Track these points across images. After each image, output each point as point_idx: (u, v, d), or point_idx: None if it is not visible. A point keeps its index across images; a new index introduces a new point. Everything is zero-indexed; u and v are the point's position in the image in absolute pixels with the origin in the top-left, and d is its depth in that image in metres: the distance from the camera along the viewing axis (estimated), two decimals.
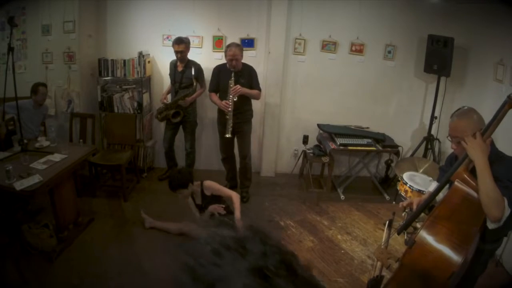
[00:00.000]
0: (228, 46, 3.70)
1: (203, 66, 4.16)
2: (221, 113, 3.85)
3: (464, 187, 1.80)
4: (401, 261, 1.85)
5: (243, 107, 3.85)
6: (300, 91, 4.59)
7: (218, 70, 3.89)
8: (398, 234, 2.20)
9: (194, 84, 4.06)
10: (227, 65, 3.72)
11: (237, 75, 3.71)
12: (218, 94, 3.90)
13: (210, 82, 3.95)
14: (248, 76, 3.81)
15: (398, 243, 3.28)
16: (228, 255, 0.63)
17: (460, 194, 1.81)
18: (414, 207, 2.09)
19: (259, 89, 3.89)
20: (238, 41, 4.33)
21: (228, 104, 3.69)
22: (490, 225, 1.71)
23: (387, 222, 2.34)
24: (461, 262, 1.64)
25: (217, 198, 3.18)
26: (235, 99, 3.70)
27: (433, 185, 2.26)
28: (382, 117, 4.64)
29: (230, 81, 3.68)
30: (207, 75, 4.22)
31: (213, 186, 3.16)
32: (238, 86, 3.67)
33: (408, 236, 1.85)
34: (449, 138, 1.99)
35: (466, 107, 2.00)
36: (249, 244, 0.65)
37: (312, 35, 4.37)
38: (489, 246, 1.94)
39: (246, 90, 3.73)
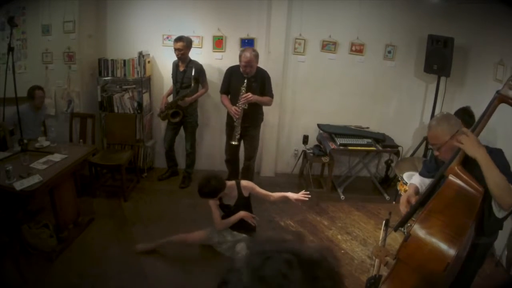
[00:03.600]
0: (243, 51, 3.57)
1: (203, 66, 4.16)
2: (231, 116, 3.79)
3: (457, 181, 1.84)
4: (397, 256, 1.87)
5: (254, 112, 3.79)
6: (300, 91, 4.59)
7: (230, 72, 3.82)
8: (395, 231, 2.22)
9: (192, 84, 4.04)
10: (241, 69, 3.64)
11: (249, 79, 3.64)
12: (229, 96, 3.85)
13: (222, 83, 3.92)
14: (261, 81, 3.73)
15: (398, 242, 3.27)
16: (299, 272, 0.60)
17: (453, 188, 1.84)
18: (405, 204, 2.11)
19: (271, 96, 3.83)
20: (238, 41, 4.35)
21: (238, 111, 3.64)
22: (500, 214, 1.74)
23: (384, 221, 2.36)
24: (455, 253, 1.67)
25: (248, 201, 3.08)
26: (245, 107, 3.64)
27: (415, 178, 2.29)
28: (382, 117, 4.64)
29: (242, 87, 3.59)
30: (208, 75, 4.23)
31: (250, 185, 3.02)
32: (250, 95, 3.58)
33: (407, 234, 1.87)
34: (430, 146, 2.03)
35: (440, 114, 2.05)
36: (320, 271, 0.62)
37: (312, 35, 4.37)
38: (484, 240, 1.96)
39: (257, 98, 3.66)
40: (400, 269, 1.87)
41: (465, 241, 1.73)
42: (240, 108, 3.64)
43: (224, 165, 4.30)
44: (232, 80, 3.78)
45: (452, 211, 1.80)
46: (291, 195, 2.97)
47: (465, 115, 3.01)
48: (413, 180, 2.32)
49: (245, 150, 4.07)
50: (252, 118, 3.83)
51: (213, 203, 3.03)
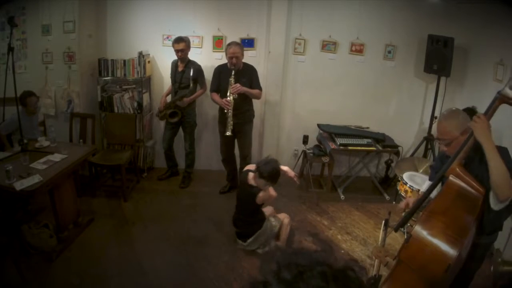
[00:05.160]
0: (229, 44, 3.70)
1: (203, 66, 4.16)
2: (222, 112, 3.85)
3: (458, 182, 1.84)
4: (398, 257, 1.87)
5: (243, 106, 3.84)
6: (300, 91, 4.59)
7: (219, 71, 3.88)
8: (395, 231, 2.22)
9: (191, 85, 4.04)
10: (228, 64, 3.71)
11: (237, 74, 3.70)
12: (219, 95, 3.89)
13: (211, 82, 3.95)
14: (249, 76, 3.80)
15: (398, 242, 3.28)
16: (333, 285, 0.61)
17: (454, 189, 1.84)
18: (410, 206, 2.11)
19: (260, 89, 3.88)
20: (238, 41, 4.34)
21: (228, 102, 3.69)
22: (497, 206, 1.74)
23: (383, 221, 2.36)
24: (457, 254, 1.66)
25: None
26: (235, 97, 3.70)
27: (426, 184, 2.28)
28: (382, 117, 4.64)
29: (230, 79, 3.67)
30: (207, 75, 4.23)
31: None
32: (238, 85, 3.66)
33: (407, 235, 1.87)
34: (438, 141, 2.02)
35: (450, 109, 2.04)
36: (351, 284, 0.64)
37: (312, 35, 4.37)
38: (484, 239, 1.95)
39: (246, 89, 3.73)
40: (401, 270, 1.87)
41: (466, 242, 1.73)
42: (230, 98, 3.68)
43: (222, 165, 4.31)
44: (222, 77, 3.83)
45: (454, 212, 1.79)
46: (286, 168, 3.24)
47: (471, 115, 3.00)
48: (423, 188, 2.30)
49: (239, 148, 4.10)
50: (244, 113, 3.88)
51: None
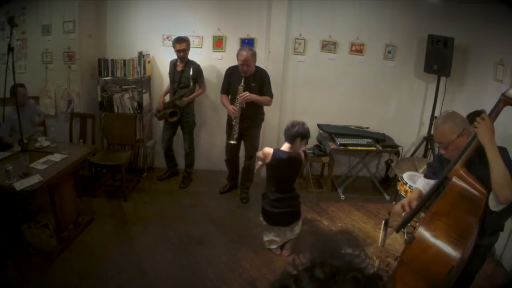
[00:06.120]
0: (240, 50, 3.61)
1: (203, 66, 4.16)
2: (230, 116, 3.81)
3: (461, 183, 1.83)
4: (400, 258, 1.86)
5: (253, 112, 3.80)
6: (300, 91, 4.59)
7: (230, 72, 3.84)
8: (397, 232, 2.21)
9: (191, 84, 4.05)
10: (239, 69, 3.66)
11: (247, 79, 3.64)
12: (230, 96, 3.86)
13: (222, 84, 3.93)
14: (259, 80, 3.73)
15: (398, 243, 3.28)
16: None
17: (457, 191, 1.83)
18: (407, 207, 2.10)
19: (271, 95, 3.81)
20: (238, 41, 4.34)
21: (235, 110, 3.65)
22: (497, 207, 1.73)
23: (383, 221, 2.35)
24: (460, 256, 1.65)
25: None
26: (242, 106, 3.65)
27: (420, 181, 2.27)
28: (382, 117, 4.64)
29: (239, 87, 3.61)
30: (207, 75, 4.23)
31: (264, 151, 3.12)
32: (247, 93, 3.59)
33: (408, 236, 1.87)
34: (436, 145, 2.02)
35: (446, 112, 2.03)
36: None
37: (312, 35, 4.37)
38: (486, 240, 1.95)
39: (255, 97, 3.66)
40: (403, 271, 1.86)
41: (469, 244, 1.72)
42: (238, 107, 3.64)
43: (223, 164, 4.31)
44: (231, 80, 3.79)
45: (456, 214, 1.78)
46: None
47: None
48: (417, 184, 2.30)
49: (245, 149, 4.08)
50: (252, 118, 3.83)
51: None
